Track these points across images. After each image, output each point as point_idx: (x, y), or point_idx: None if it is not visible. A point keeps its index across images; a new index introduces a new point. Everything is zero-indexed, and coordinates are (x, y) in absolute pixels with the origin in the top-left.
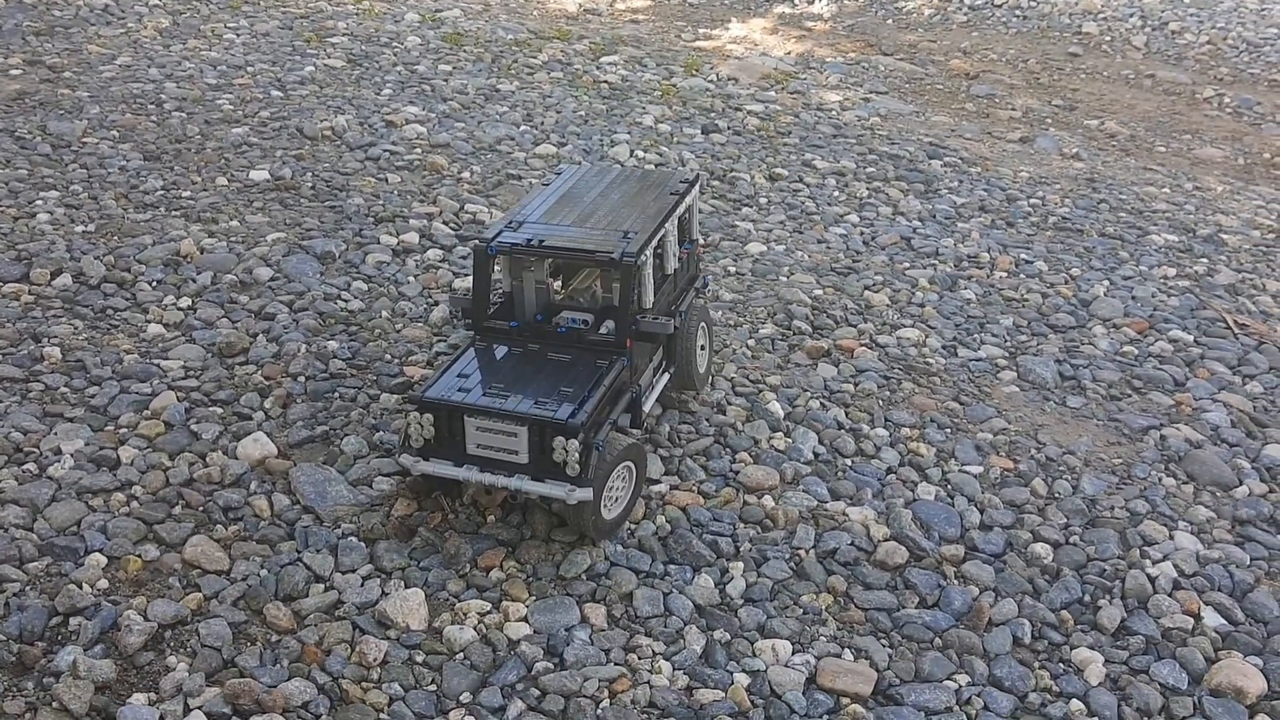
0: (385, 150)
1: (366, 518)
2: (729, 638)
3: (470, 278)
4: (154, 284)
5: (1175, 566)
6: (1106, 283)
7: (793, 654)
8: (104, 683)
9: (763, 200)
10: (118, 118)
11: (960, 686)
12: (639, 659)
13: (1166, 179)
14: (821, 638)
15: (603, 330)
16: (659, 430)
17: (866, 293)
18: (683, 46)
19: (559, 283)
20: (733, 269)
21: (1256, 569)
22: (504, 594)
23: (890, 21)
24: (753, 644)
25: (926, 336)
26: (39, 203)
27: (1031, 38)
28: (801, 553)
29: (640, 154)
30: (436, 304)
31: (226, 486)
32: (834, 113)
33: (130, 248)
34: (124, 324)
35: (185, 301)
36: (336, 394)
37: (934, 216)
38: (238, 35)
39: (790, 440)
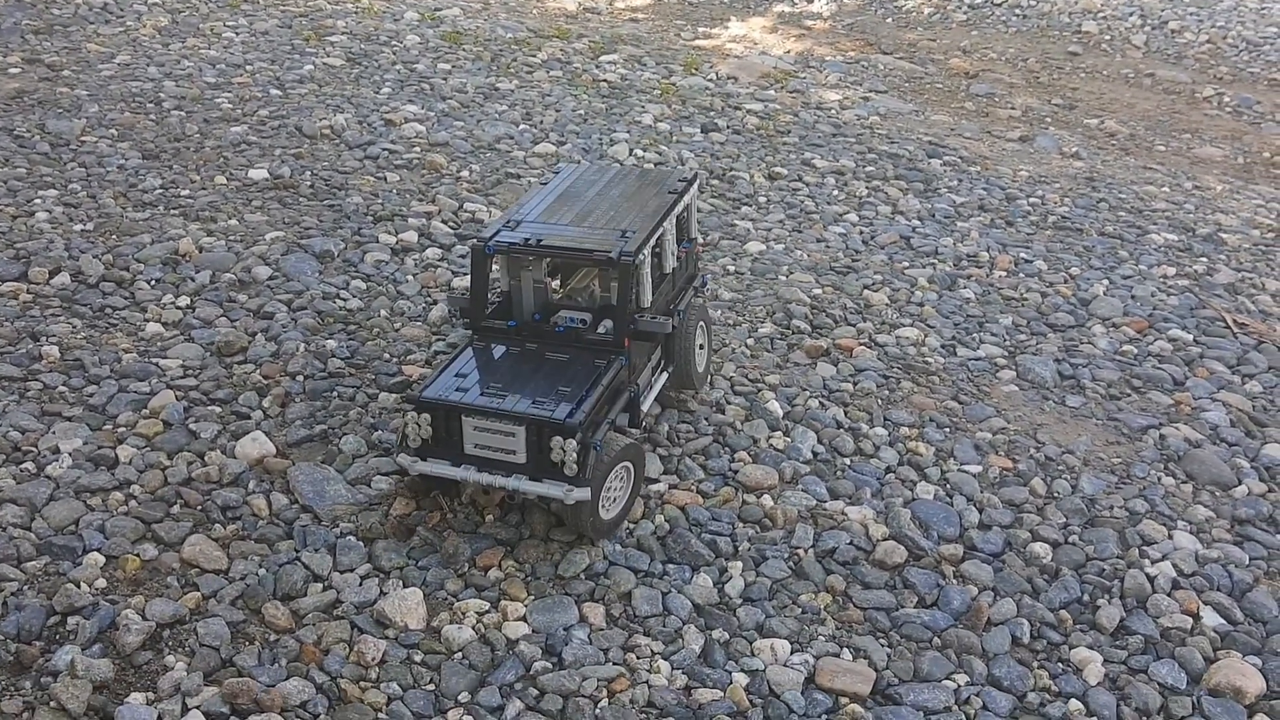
0: (384, 149)
1: (365, 517)
2: (727, 637)
3: (468, 277)
4: (152, 283)
5: (1174, 566)
6: (1106, 282)
7: (791, 653)
8: (102, 682)
9: (762, 199)
10: (116, 116)
11: (959, 686)
12: (637, 658)
13: (1166, 178)
14: (820, 637)
15: (601, 329)
16: (658, 429)
17: (866, 292)
18: (682, 45)
19: (557, 282)
20: (732, 268)
21: (1255, 568)
22: (502, 593)
23: (890, 20)
24: (751, 643)
25: (925, 336)
26: (37, 201)
27: (1031, 37)
28: (800, 552)
29: (639, 153)
30: (435, 303)
31: (225, 486)
32: (833, 112)
33: (129, 246)
34: (122, 323)
35: (184, 300)
36: (335, 393)
37: (933, 215)
38: (237, 34)
39: (789, 439)
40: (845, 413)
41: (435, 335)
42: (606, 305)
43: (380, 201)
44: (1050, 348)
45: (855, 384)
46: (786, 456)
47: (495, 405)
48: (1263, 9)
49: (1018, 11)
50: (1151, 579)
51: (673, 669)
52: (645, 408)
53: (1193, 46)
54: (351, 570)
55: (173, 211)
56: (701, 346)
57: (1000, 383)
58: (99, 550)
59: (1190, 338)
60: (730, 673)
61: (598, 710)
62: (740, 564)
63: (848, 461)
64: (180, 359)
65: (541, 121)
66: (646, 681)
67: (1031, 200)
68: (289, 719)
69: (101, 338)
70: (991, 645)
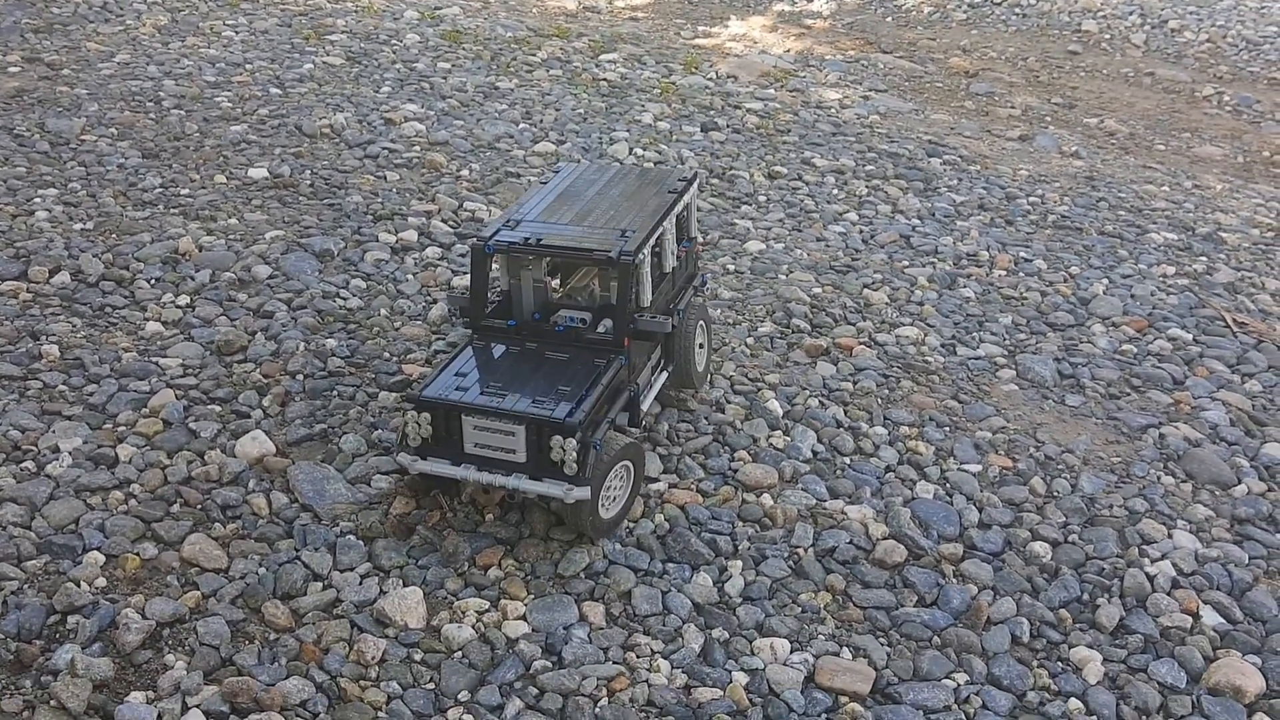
0: (384, 148)
1: (365, 516)
2: (727, 636)
3: (468, 276)
4: (152, 282)
5: (1174, 565)
6: (1105, 281)
7: (791, 652)
8: (102, 681)
9: (762, 198)
10: (116, 115)
11: (959, 685)
12: (637, 657)
13: (1166, 177)
14: (820, 636)
15: (600, 329)
16: (657, 429)
17: (865, 291)
18: (682, 44)
19: (557, 281)
20: (731, 267)
21: (1255, 568)
22: (502, 592)
23: (889, 19)
24: (751, 642)
25: (925, 335)
26: (37, 200)
27: (1031, 36)
28: (800, 551)
29: (639, 152)
30: (435, 302)
31: (225, 484)
32: (833, 111)
33: (129, 245)
34: (122, 322)
35: (184, 299)
36: (335, 392)
37: (933, 214)
38: (236, 33)
39: (789, 438)
40: (845, 412)
41: (435, 334)
42: (606, 304)
43: (380, 200)
44: (1050, 347)
45: (855, 383)
46: (786, 455)
47: (495, 404)
48: (1263, 8)
49: (1017, 10)
50: (1151, 578)
51: (672, 668)
52: (645, 407)
53: (1192, 45)
54: (351, 569)
55: (172, 210)
56: (701, 346)
57: (1000, 382)
58: (99, 549)
59: (1190, 337)
60: (730, 672)
61: (597, 709)
62: (740, 563)
63: (847, 460)
64: (180, 358)
65: (541, 120)
66: (646, 680)
67: (1031, 199)
68: (289, 718)
69: (101, 337)
70: (991, 644)
